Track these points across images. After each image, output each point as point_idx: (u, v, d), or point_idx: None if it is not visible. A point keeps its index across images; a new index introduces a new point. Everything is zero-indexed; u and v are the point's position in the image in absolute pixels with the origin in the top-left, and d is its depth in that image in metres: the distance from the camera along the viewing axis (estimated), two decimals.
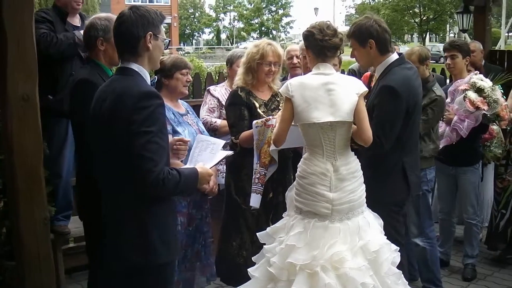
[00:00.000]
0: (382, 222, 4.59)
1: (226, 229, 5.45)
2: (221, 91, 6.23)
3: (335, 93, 4.34)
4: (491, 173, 7.71)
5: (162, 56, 4.20)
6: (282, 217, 4.72)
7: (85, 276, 5.08)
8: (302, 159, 4.55)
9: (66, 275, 6.26)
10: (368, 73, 5.28)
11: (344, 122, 4.36)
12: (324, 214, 4.34)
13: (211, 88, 6.47)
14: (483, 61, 8.24)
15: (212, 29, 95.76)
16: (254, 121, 5.15)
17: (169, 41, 3.95)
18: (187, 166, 4.33)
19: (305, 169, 4.44)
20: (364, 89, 4.46)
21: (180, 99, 5.42)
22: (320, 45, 4.44)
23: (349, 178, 4.42)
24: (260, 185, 5.10)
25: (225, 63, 6.80)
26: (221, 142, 4.77)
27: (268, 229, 4.67)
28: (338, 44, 4.52)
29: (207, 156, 4.53)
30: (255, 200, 5.11)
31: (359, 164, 4.53)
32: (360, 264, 4.25)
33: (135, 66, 3.55)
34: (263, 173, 5.11)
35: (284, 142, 4.60)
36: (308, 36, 4.51)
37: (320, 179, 4.35)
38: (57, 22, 5.93)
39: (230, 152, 4.69)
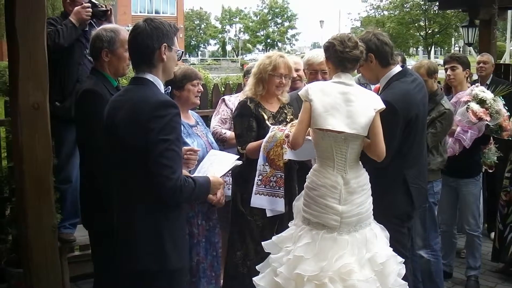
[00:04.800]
0: (389, 234, 4.60)
1: (231, 239, 5.45)
2: (235, 102, 6.07)
3: (354, 105, 4.33)
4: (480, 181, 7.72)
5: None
6: (288, 227, 4.73)
7: (90, 284, 5.11)
8: (312, 170, 4.54)
9: (71, 283, 6.27)
10: (377, 86, 5.30)
11: (358, 136, 4.36)
12: (332, 226, 4.34)
13: (226, 98, 6.42)
14: (491, 75, 8.29)
15: (218, 41, 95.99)
16: (272, 127, 5.21)
17: (182, 52, 4.01)
18: (195, 175, 4.39)
19: (315, 180, 4.43)
20: (382, 105, 4.43)
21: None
22: (341, 56, 4.42)
23: (358, 191, 4.42)
24: (278, 187, 5.13)
25: (230, 74, 6.79)
26: (234, 157, 4.76)
27: (273, 238, 4.67)
28: (359, 57, 4.51)
29: (217, 167, 4.54)
30: (257, 202, 5.14)
31: (368, 177, 4.54)
32: (368, 276, 4.27)
33: (149, 76, 3.62)
34: (280, 175, 5.14)
35: (301, 144, 4.60)
36: (329, 47, 4.50)
37: (330, 192, 4.35)
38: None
39: (239, 162, 4.72)
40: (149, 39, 3.58)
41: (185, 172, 4.32)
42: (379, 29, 5.18)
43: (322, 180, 4.39)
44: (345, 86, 4.41)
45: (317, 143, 4.46)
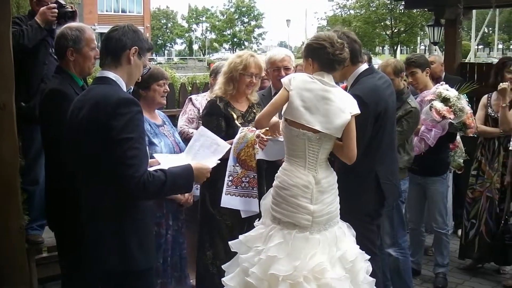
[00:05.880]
0: (355, 232, 4.62)
1: (201, 240, 5.47)
2: (202, 102, 6.14)
3: (332, 105, 4.32)
4: (450, 181, 7.77)
5: None
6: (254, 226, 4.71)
7: (58, 286, 5.05)
8: (281, 169, 4.52)
9: (39, 285, 6.21)
10: (344, 85, 5.33)
11: (331, 136, 4.37)
12: (304, 226, 4.33)
13: (193, 97, 6.42)
14: (443, 73, 8.35)
15: (185, 40, 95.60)
16: (241, 128, 5.23)
17: (149, 69, 4.04)
18: (185, 155, 4.39)
19: (286, 180, 4.41)
20: (358, 111, 4.43)
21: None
22: (332, 59, 4.40)
23: (328, 190, 4.43)
24: (251, 188, 5.17)
25: (197, 74, 6.75)
26: (227, 146, 4.70)
27: (240, 237, 4.63)
28: (346, 58, 4.51)
29: (208, 155, 4.40)
30: (228, 202, 5.17)
31: (336, 176, 4.55)
32: (340, 274, 4.29)
33: (112, 75, 3.62)
34: (252, 176, 5.18)
35: (265, 126, 4.67)
36: (319, 49, 4.43)
37: (302, 191, 4.34)
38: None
39: (228, 147, 4.67)
40: (124, 36, 3.64)
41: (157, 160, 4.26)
42: (345, 28, 5.20)
43: (294, 180, 4.37)
44: (327, 86, 4.39)
45: (290, 142, 4.44)
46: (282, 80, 4.48)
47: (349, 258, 4.38)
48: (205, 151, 4.46)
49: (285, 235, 4.34)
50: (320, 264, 4.24)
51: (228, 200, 5.16)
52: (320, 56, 4.43)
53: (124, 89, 3.68)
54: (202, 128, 4.90)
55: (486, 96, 7.25)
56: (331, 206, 4.44)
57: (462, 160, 7.21)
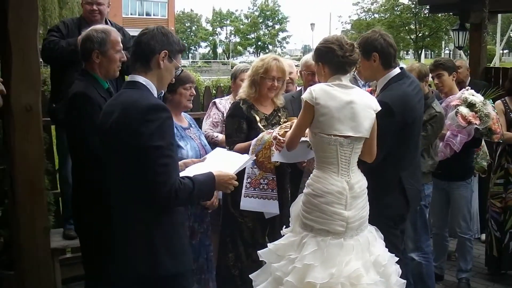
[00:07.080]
0: (382, 235, 4.60)
1: (223, 241, 5.47)
2: (225, 105, 6.17)
3: (357, 107, 4.28)
4: (476, 186, 7.74)
5: None
6: (280, 232, 4.65)
7: (81, 286, 5.06)
8: (313, 176, 4.44)
9: (63, 285, 6.23)
10: (369, 89, 5.30)
11: (361, 138, 4.34)
12: (339, 232, 4.28)
13: (217, 100, 6.42)
14: (469, 78, 8.30)
15: (209, 43, 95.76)
16: (263, 133, 5.20)
17: (182, 71, 4.02)
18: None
19: (320, 188, 4.32)
20: (379, 107, 4.42)
21: None
22: (342, 61, 4.36)
23: (361, 195, 4.39)
24: (270, 190, 5.15)
25: (221, 77, 6.76)
26: (247, 157, 4.61)
27: (270, 246, 4.54)
28: (357, 59, 4.46)
29: (227, 164, 4.30)
30: (247, 205, 5.16)
31: (366, 181, 4.49)
32: (376, 279, 4.26)
33: (142, 80, 3.58)
34: (271, 178, 5.17)
35: (296, 147, 4.59)
36: (328, 52, 4.40)
37: (337, 198, 4.28)
38: (72, 32, 6.04)
39: (252, 160, 4.68)
40: (152, 40, 3.58)
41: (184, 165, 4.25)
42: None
43: (329, 187, 4.31)
44: (347, 89, 4.36)
45: (321, 149, 4.37)
46: (302, 96, 4.41)
47: (382, 262, 4.36)
48: (221, 163, 4.36)
49: (319, 242, 4.28)
50: (356, 271, 4.20)
51: (247, 203, 5.15)
52: (330, 59, 4.40)
53: (155, 93, 3.65)
54: (217, 149, 4.86)
55: (500, 101, 7.14)
56: (363, 211, 4.40)
57: (486, 163, 7.15)
